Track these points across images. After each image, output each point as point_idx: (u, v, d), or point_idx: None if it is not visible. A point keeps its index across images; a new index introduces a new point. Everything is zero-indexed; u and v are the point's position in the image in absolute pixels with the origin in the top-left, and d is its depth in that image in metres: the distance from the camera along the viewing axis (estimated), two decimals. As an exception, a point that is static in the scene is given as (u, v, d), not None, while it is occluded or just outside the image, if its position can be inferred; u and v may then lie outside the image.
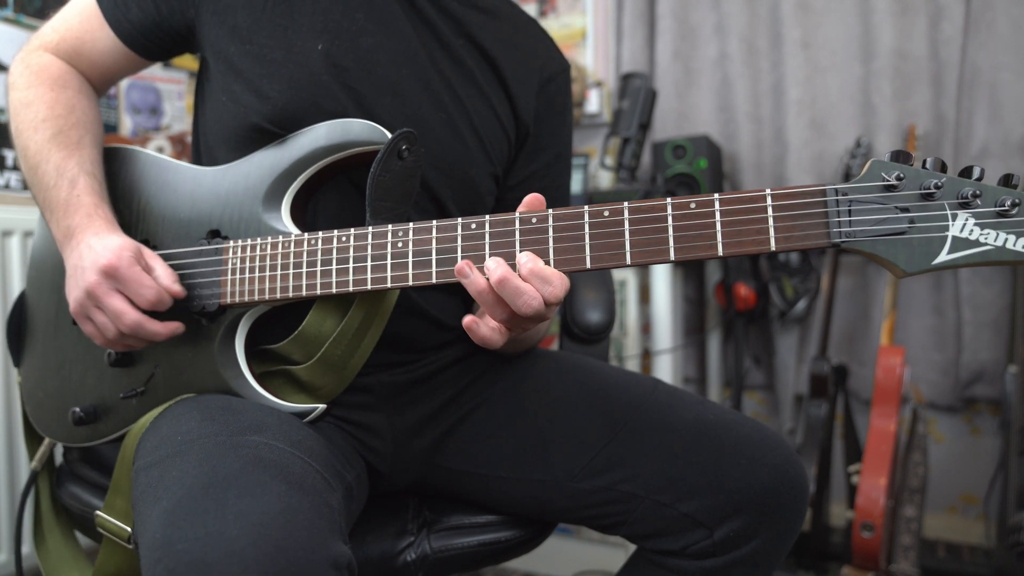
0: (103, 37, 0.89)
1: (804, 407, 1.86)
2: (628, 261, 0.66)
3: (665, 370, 1.91)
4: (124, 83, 1.99)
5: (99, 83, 0.95)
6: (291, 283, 0.76)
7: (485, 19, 0.93)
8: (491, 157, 0.91)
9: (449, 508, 0.91)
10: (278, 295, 0.77)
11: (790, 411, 2.15)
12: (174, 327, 0.78)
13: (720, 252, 0.64)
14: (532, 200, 0.70)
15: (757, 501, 0.78)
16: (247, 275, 0.78)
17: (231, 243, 0.80)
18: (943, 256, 0.59)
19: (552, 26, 2.39)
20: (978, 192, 0.58)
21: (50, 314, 0.91)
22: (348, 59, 0.83)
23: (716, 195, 0.64)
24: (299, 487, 0.61)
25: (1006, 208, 0.58)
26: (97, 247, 0.76)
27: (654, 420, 0.84)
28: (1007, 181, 0.58)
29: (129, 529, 0.74)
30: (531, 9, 2.43)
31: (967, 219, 0.59)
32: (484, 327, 0.69)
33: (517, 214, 0.69)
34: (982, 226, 0.58)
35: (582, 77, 2.22)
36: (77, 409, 0.85)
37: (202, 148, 0.92)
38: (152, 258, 0.79)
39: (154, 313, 0.78)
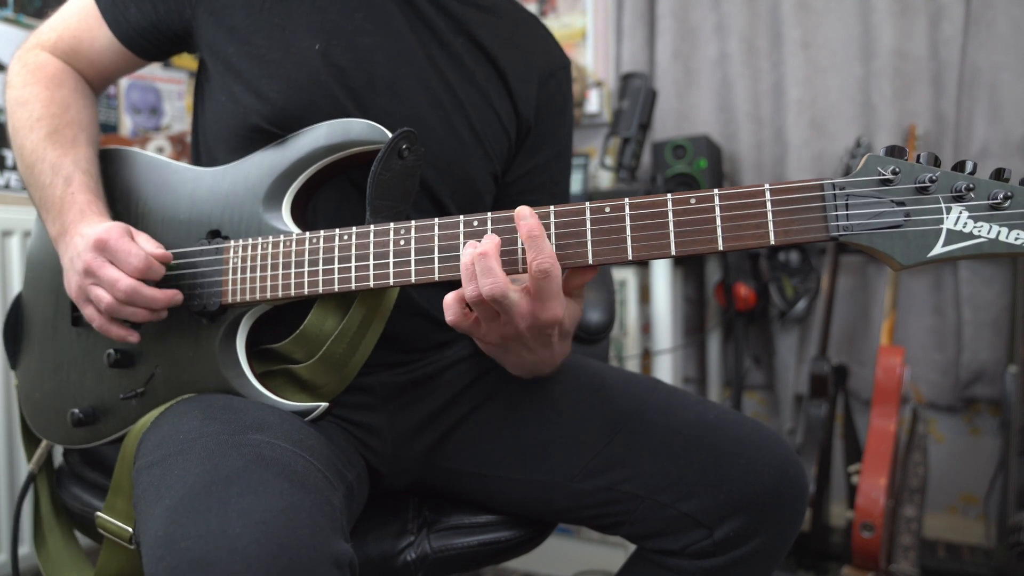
0: (101, 36, 0.90)
1: (804, 407, 1.86)
2: (630, 256, 0.67)
3: (665, 370, 1.90)
4: (124, 83, 1.99)
5: (96, 82, 0.95)
6: (292, 282, 0.76)
7: (485, 17, 0.93)
8: (490, 155, 0.91)
9: (449, 508, 0.91)
10: (279, 294, 0.77)
11: (790, 411, 2.15)
12: (171, 294, 0.78)
13: (720, 246, 0.64)
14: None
15: (757, 501, 0.78)
16: (248, 274, 0.78)
17: (231, 243, 0.80)
18: (938, 249, 0.60)
19: (552, 26, 2.39)
20: (971, 186, 0.59)
21: (47, 316, 0.91)
22: (346, 59, 0.83)
23: (716, 190, 0.65)
24: (301, 485, 0.61)
25: (998, 201, 0.58)
26: (88, 232, 0.77)
27: (654, 420, 0.84)
28: (999, 175, 0.59)
29: (130, 530, 0.74)
30: (531, 9, 2.42)
31: (961, 212, 0.60)
32: (451, 297, 0.69)
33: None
34: (976, 219, 0.59)
35: (582, 77, 2.22)
36: (76, 410, 0.85)
37: (202, 148, 0.92)
38: (138, 234, 0.79)
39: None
